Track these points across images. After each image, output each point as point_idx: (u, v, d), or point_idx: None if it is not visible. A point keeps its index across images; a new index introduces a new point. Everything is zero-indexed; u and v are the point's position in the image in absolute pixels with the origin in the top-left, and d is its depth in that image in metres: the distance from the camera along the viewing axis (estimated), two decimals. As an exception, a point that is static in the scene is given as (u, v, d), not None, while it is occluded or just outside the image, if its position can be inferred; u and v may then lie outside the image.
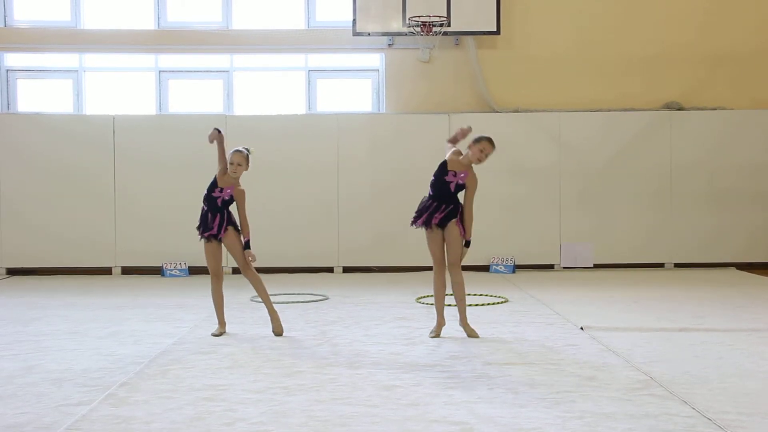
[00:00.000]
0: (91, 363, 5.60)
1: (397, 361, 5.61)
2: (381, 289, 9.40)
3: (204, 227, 6.62)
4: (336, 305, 8.20)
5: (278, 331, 6.61)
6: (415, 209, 6.55)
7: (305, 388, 4.90)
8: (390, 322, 7.16)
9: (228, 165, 6.53)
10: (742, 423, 4.17)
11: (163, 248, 10.95)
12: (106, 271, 11.08)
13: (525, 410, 4.41)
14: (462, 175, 6.40)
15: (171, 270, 10.86)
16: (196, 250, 10.69)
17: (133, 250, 11.05)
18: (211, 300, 6.79)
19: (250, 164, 6.64)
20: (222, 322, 6.72)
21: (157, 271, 10.99)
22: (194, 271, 10.88)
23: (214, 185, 6.59)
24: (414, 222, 6.54)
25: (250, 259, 6.57)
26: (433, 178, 6.47)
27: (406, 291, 9.11)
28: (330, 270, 11.18)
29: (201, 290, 9.27)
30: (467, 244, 6.44)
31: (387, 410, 4.43)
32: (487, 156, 6.40)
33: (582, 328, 6.72)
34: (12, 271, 11.09)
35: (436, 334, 6.49)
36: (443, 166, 6.46)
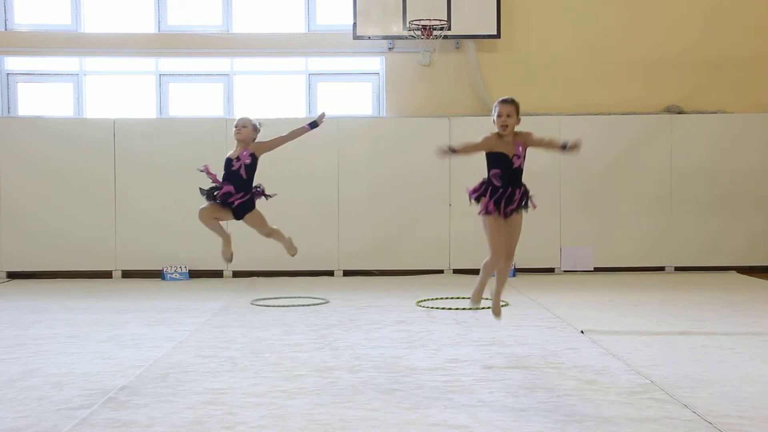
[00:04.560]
0: (91, 367, 5.60)
1: (398, 365, 5.61)
2: (381, 292, 9.39)
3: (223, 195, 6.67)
4: (336, 309, 8.20)
5: (293, 253, 7.22)
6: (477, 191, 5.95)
7: (305, 391, 4.90)
8: (390, 326, 7.16)
9: (234, 129, 6.76)
10: (742, 427, 4.16)
11: (163, 252, 10.95)
12: (107, 275, 11.07)
13: (525, 414, 4.41)
14: (519, 149, 5.97)
15: (171, 273, 10.86)
16: (196, 254, 10.87)
17: (133, 254, 11.04)
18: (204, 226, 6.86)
19: (258, 136, 6.83)
20: (226, 236, 6.87)
21: (157, 274, 10.98)
22: (194, 274, 10.89)
23: (228, 161, 6.67)
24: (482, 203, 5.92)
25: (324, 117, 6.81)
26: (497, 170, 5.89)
27: (406, 294, 9.11)
28: (330, 273, 11.17)
29: (201, 294, 9.28)
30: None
31: (387, 414, 4.42)
32: (509, 116, 6.01)
33: (582, 332, 6.72)
34: (12, 275, 11.08)
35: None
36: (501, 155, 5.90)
